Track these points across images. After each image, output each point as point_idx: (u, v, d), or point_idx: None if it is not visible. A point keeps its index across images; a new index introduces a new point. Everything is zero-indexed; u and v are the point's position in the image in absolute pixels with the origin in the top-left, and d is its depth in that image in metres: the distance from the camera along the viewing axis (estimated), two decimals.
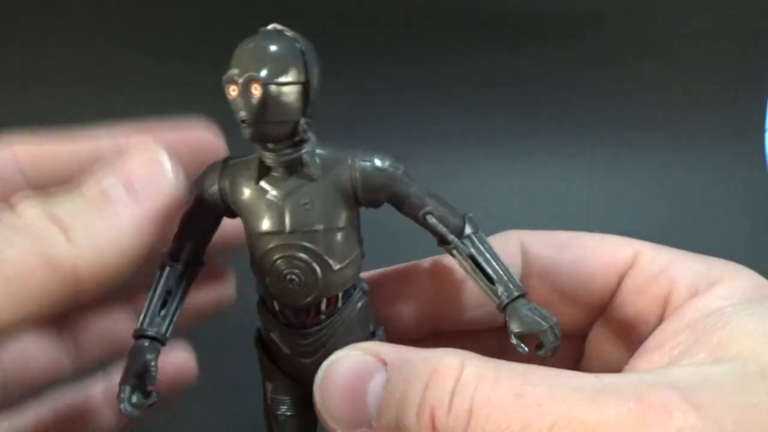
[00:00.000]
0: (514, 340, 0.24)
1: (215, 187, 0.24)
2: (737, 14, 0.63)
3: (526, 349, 0.24)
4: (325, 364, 0.23)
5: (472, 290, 0.27)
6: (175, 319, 0.24)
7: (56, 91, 0.61)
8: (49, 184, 0.25)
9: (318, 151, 0.23)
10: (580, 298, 0.28)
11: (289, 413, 0.25)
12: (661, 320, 0.25)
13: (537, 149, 0.63)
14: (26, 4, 0.58)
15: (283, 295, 0.23)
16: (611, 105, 0.65)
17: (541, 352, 0.24)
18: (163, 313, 0.24)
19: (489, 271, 0.24)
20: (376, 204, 0.24)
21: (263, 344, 0.26)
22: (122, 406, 0.22)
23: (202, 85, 0.61)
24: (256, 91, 0.21)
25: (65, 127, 0.28)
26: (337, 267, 0.23)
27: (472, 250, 0.25)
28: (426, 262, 0.29)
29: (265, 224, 0.23)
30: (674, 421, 0.18)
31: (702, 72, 0.65)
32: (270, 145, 0.23)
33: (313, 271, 0.23)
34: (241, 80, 0.21)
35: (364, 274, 0.26)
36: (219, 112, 0.63)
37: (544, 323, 0.23)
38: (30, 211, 0.20)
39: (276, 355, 0.25)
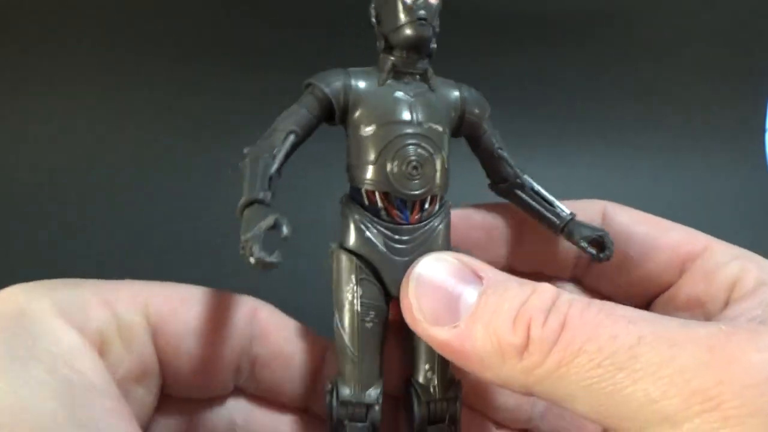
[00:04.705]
0: (583, 243, 0.28)
1: (339, 83, 0.25)
2: (737, 14, 0.63)
3: (594, 251, 0.28)
4: (426, 258, 0.24)
5: (545, 235, 0.31)
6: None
7: (61, 92, 0.61)
8: None
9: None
10: (647, 268, 0.30)
11: (376, 320, 0.26)
12: (726, 303, 0.27)
13: (536, 149, 0.64)
14: (34, 8, 0.58)
15: (402, 182, 0.25)
16: (611, 105, 0.65)
17: (603, 254, 0.28)
18: (270, 192, 0.23)
19: (549, 198, 0.29)
20: (470, 126, 0.27)
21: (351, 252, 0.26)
22: (257, 254, 0.21)
23: (207, 86, 0.62)
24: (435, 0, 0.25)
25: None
26: (447, 165, 0.26)
27: (534, 184, 0.29)
28: (504, 205, 0.31)
29: (398, 114, 0.25)
30: (766, 339, 0.19)
31: (702, 72, 0.65)
32: (410, 54, 0.25)
33: (433, 162, 0.25)
34: None
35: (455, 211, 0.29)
36: (221, 112, 0.63)
37: (601, 230, 0.29)
38: None
39: (365, 260, 0.26)
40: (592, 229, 0.29)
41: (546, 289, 0.22)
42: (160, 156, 0.61)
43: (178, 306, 0.25)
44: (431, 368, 0.26)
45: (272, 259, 0.21)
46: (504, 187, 0.29)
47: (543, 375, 0.20)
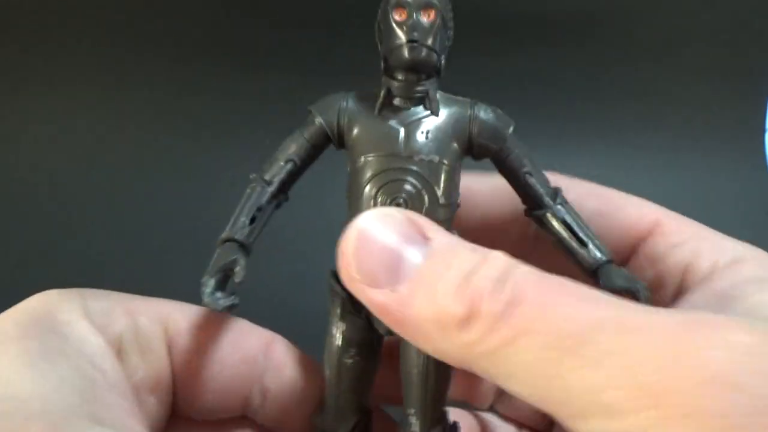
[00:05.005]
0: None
1: (333, 112, 0.25)
2: (737, 14, 0.63)
3: None
4: (369, 212, 0.22)
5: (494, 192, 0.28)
6: (259, 234, 0.25)
7: (60, 92, 0.61)
8: None
9: (440, 92, 0.25)
10: None
11: (357, 357, 0.25)
12: (679, 288, 0.25)
13: (536, 149, 0.63)
14: (34, 8, 0.58)
15: None
16: (611, 105, 0.65)
17: None
18: (251, 227, 0.24)
19: (582, 235, 0.25)
20: (485, 151, 0.25)
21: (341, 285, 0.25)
22: (206, 297, 0.22)
23: (207, 86, 0.62)
24: (430, 16, 0.23)
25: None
26: (442, 201, 0.24)
27: (566, 216, 0.26)
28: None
29: (383, 147, 0.24)
30: (722, 334, 0.17)
31: (702, 72, 0.65)
32: (409, 76, 0.24)
33: (421, 198, 0.24)
34: (414, 4, 0.23)
35: None
36: (221, 112, 0.63)
37: (637, 282, 0.24)
38: None
39: (352, 297, 0.24)
40: (627, 279, 0.24)
41: (498, 257, 0.20)
42: (160, 156, 0.61)
43: (196, 324, 0.25)
44: (415, 413, 0.25)
45: (217, 304, 0.22)
46: (537, 215, 0.26)
47: (484, 351, 0.19)
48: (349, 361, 0.25)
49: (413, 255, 0.20)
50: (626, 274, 0.25)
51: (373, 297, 0.21)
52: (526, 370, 0.18)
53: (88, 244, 0.58)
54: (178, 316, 0.25)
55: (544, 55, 0.62)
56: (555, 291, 0.19)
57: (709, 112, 0.66)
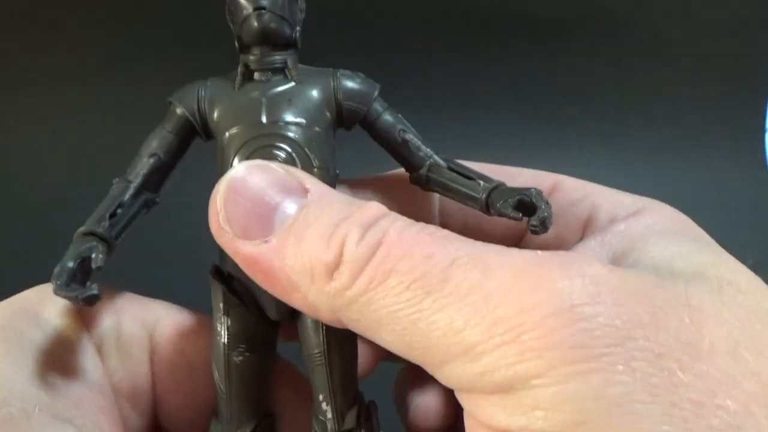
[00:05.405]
0: (507, 210, 0.22)
1: (193, 98, 0.24)
2: (737, 14, 0.63)
3: (520, 214, 0.22)
4: (245, 162, 0.21)
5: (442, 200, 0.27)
6: (123, 233, 0.23)
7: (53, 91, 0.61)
8: None
9: (301, 65, 0.24)
10: (499, 222, 0.26)
11: (247, 353, 0.23)
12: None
13: (535, 150, 0.64)
14: (34, 8, 0.58)
15: None
16: (611, 105, 0.65)
17: (536, 218, 0.22)
18: (111, 221, 0.22)
19: (467, 173, 0.24)
20: (354, 115, 0.24)
21: (222, 277, 0.24)
22: (59, 289, 0.20)
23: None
24: None
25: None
26: (316, 163, 0.23)
27: (450, 163, 0.25)
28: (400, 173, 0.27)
29: (247, 118, 0.23)
30: (578, 266, 0.17)
31: (702, 72, 0.65)
32: (263, 48, 0.23)
33: (293, 162, 0.22)
34: None
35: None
36: None
37: (528, 190, 0.23)
38: None
39: (236, 286, 0.24)
40: (517, 190, 0.23)
41: (372, 206, 0.19)
42: None
43: (182, 331, 0.24)
44: (325, 398, 0.23)
45: (72, 296, 0.20)
46: (422, 175, 0.25)
47: (351, 298, 0.18)
48: (239, 358, 0.23)
49: (289, 206, 0.20)
50: (516, 188, 0.23)
51: (241, 248, 0.20)
52: (391, 314, 0.18)
53: None
54: (165, 323, 0.24)
55: (544, 55, 0.62)
56: (418, 233, 0.18)
57: (709, 112, 0.66)
